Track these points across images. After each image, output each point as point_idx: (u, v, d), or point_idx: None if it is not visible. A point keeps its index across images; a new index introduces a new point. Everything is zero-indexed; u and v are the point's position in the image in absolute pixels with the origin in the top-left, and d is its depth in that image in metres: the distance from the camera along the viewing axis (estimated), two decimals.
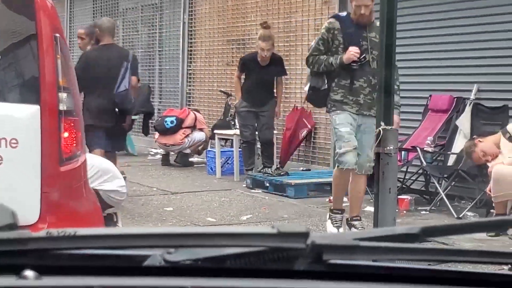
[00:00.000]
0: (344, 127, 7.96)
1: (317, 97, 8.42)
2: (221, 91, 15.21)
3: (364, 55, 7.94)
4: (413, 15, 11.07)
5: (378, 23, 7.35)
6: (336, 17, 8.46)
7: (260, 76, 12.22)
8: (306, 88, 8.43)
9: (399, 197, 9.59)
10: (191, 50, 16.99)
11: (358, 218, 8.40)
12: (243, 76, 12.56)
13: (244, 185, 11.95)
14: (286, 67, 13.29)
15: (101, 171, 6.98)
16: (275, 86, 12.51)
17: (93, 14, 21.02)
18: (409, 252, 1.17)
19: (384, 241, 1.20)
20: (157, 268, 1.17)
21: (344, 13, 8.52)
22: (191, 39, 16.96)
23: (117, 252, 1.17)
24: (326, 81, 8.15)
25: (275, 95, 12.50)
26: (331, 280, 1.15)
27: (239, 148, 12.90)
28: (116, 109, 9.61)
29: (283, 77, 12.70)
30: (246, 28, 15.17)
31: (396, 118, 7.39)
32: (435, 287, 1.17)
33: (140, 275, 1.16)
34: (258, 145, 12.84)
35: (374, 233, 1.22)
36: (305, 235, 1.11)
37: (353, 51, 7.84)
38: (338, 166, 8.14)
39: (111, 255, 1.17)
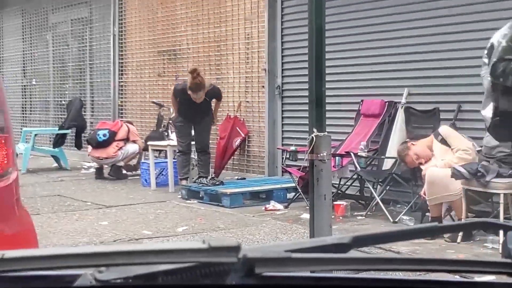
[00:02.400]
0: None
1: (507, 126, 5.47)
2: (153, 102, 15.20)
3: None
4: (341, 21, 11.15)
5: None
6: None
7: (194, 106, 12.07)
8: (486, 112, 5.59)
9: (335, 203, 9.64)
10: (122, 62, 16.93)
11: None
12: None
13: (179, 196, 11.86)
14: (218, 77, 13.39)
15: None
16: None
17: (23, 29, 20.86)
18: (340, 262, 1.18)
19: (316, 252, 1.20)
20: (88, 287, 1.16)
21: None
22: (121, 51, 16.89)
23: (47, 273, 1.15)
24: None
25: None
26: None
27: (174, 158, 12.84)
28: None
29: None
30: (176, 39, 15.17)
31: None
32: None
33: None
34: (193, 155, 12.81)
35: (306, 244, 1.22)
36: (236, 249, 1.10)
37: None
38: None
39: (41, 276, 1.15)
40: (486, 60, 4.88)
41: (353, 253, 1.25)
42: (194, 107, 12.06)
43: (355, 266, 1.20)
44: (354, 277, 1.22)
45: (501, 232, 7.17)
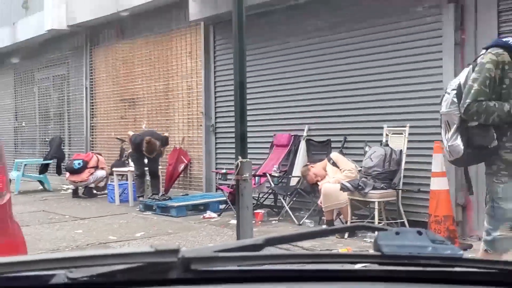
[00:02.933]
0: (510, 203, 4.30)
1: (477, 156, 4.43)
2: (117, 138, 15.08)
3: None
4: (259, 76, 11.22)
5: None
6: (503, 45, 4.28)
7: (146, 157, 12.34)
8: (456, 143, 4.45)
9: (255, 211, 9.65)
10: (92, 108, 16.69)
11: None
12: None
13: (137, 209, 11.73)
14: (166, 119, 13.41)
15: None
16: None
17: (14, 83, 20.52)
18: (255, 258, 1.18)
19: (238, 251, 1.20)
20: (61, 285, 1.14)
21: (510, 38, 4.30)
22: (92, 99, 16.68)
23: (29, 274, 1.13)
24: (495, 136, 4.28)
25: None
26: (200, 284, 1.14)
27: (133, 181, 12.77)
28: None
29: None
30: (135, 90, 15.06)
31: None
32: (284, 284, 1.17)
33: None
34: (148, 177, 12.73)
35: (230, 246, 1.23)
36: (176, 251, 1.10)
37: None
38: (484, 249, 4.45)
39: (23, 277, 1.13)
40: (455, 99, 4.35)
41: (266, 251, 1.26)
42: (145, 157, 12.34)
43: (267, 261, 1.21)
44: (269, 269, 1.23)
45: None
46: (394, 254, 1.22)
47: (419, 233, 1.27)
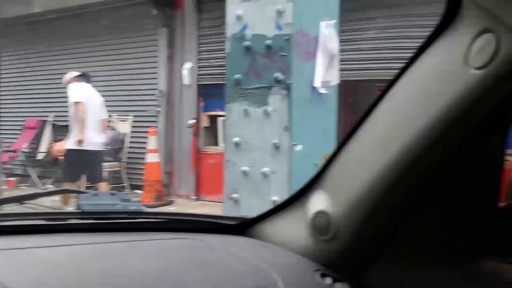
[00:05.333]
0: None
1: None
2: None
3: None
4: (16, 74, 10.30)
5: None
6: None
7: None
8: None
9: (9, 179, 8.92)
10: None
11: None
12: None
13: None
14: None
15: None
16: None
17: None
18: None
19: None
20: None
21: None
22: None
23: None
24: None
25: None
26: None
27: None
28: None
29: None
30: None
31: None
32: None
33: None
34: None
35: None
36: None
37: None
38: None
39: None
40: None
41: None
42: None
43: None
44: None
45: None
46: (91, 211, 1.15)
47: (112, 194, 1.23)
